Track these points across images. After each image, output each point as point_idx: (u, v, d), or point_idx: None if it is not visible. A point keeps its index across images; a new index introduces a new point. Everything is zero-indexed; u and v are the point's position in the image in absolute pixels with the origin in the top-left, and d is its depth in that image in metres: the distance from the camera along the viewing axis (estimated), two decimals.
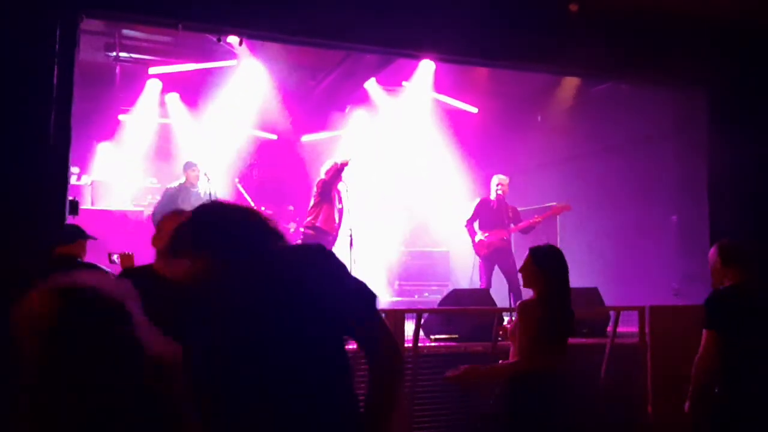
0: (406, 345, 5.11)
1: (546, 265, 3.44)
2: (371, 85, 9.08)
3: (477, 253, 7.62)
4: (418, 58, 7.44)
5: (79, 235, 4.37)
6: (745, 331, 3.38)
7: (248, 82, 8.58)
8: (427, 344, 5.44)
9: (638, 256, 7.64)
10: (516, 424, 3.41)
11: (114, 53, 8.14)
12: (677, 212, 7.41)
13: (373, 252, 9.12)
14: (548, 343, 3.35)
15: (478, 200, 7.71)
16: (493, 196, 7.58)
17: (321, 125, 10.08)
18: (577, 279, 7.95)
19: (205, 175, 7.04)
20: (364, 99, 9.50)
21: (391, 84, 9.09)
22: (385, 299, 8.84)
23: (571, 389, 3.50)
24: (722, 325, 3.41)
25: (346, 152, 7.43)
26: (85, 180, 8.54)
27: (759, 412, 3.35)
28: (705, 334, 3.43)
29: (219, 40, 6.19)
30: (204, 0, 5.37)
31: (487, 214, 7.56)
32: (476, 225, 7.62)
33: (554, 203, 7.75)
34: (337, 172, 6.89)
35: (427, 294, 9.31)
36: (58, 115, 4.86)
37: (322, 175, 7.04)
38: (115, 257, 5.15)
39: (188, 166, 7.24)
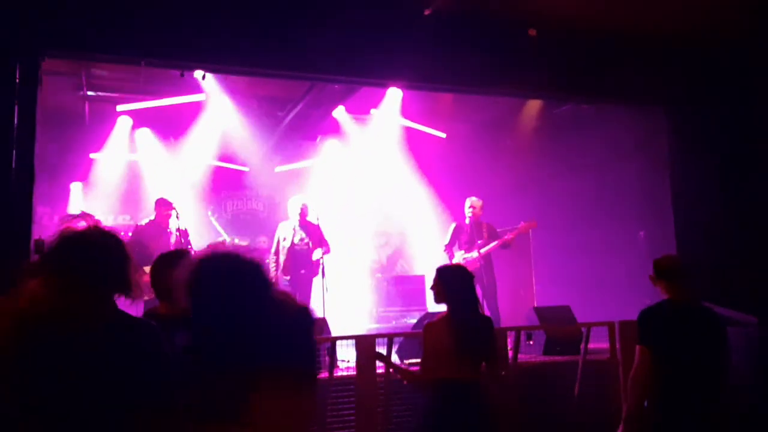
0: (378, 371, 5.11)
1: (450, 283, 3.74)
2: (340, 114, 9.17)
3: None
4: (384, 86, 7.56)
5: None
6: (674, 347, 3.33)
7: (217, 115, 8.63)
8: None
9: (609, 271, 7.73)
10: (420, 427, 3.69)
11: (81, 92, 8.16)
12: (645, 228, 7.52)
13: (349, 280, 9.14)
14: (453, 353, 3.58)
15: (453, 225, 7.96)
16: (467, 219, 7.77)
17: (293, 155, 10.15)
18: (550, 297, 8.11)
19: (175, 210, 7.04)
20: (334, 128, 9.58)
21: (360, 112, 9.18)
22: (366, 326, 8.84)
23: (483, 400, 3.63)
24: (652, 340, 3.36)
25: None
26: (57, 219, 8.48)
27: (687, 428, 3.29)
28: (637, 350, 3.39)
29: (182, 74, 6.24)
30: (165, 36, 5.42)
31: (462, 237, 7.78)
32: (455, 249, 7.86)
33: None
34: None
35: (406, 320, 9.30)
36: (20, 155, 4.86)
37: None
38: None
39: (158, 204, 7.22)
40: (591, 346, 5.82)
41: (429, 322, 3.81)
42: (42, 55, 5.15)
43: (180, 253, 3.30)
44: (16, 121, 4.82)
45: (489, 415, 3.66)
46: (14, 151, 4.78)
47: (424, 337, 3.74)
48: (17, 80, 4.88)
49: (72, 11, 5.12)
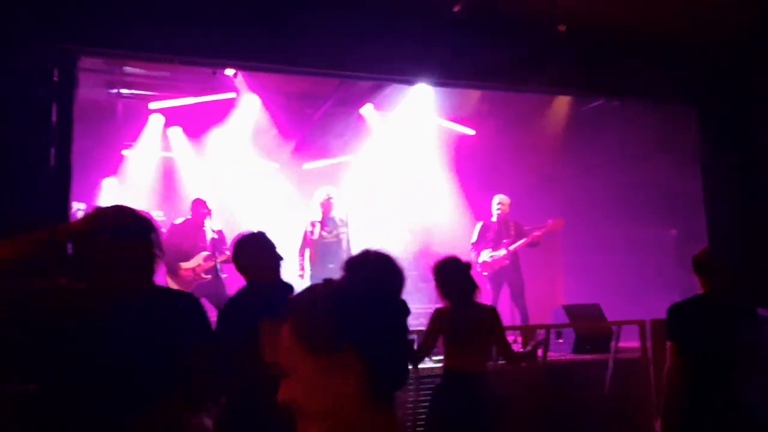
0: None
1: (446, 276, 3.88)
2: (368, 111, 9.20)
3: (482, 273, 7.75)
4: (411, 83, 7.55)
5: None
6: (701, 342, 3.28)
7: (248, 113, 8.73)
8: (429, 365, 5.45)
9: (640, 270, 7.66)
10: (430, 420, 3.85)
11: (115, 90, 8.31)
12: (676, 226, 7.43)
13: None
14: (456, 344, 3.76)
15: (481, 223, 7.92)
16: (494, 217, 7.75)
17: (321, 152, 10.21)
18: (579, 295, 8.06)
19: (210, 211, 7.15)
20: (361, 125, 9.62)
21: (388, 108, 9.21)
22: None
23: (484, 389, 3.73)
24: (680, 336, 3.33)
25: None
26: None
27: (718, 425, 3.23)
28: (668, 346, 3.36)
29: (214, 73, 6.32)
30: (198, 35, 5.49)
31: (489, 235, 7.75)
32: (482, 246, 7.88)
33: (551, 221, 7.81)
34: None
35: None
36: (59, 153, 4.96)
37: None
38: None
39: (195, 204, 7.30)
40: (621, 344, 5.79)
41: (439, 308, 3.93)
42: (78, 55, 5.25)
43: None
44: (54, 120, 4.92)
45: (494, 405, 3.75)
46: (53, 149, 4.88)
47: (431, 319, 3.92)
48: (55, 80, 4.98)
49: (107, 11, 5.21)
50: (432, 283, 3.95)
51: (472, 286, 3.88)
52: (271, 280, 3.46)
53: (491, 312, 3.94)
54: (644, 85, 6.72)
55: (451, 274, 3.88)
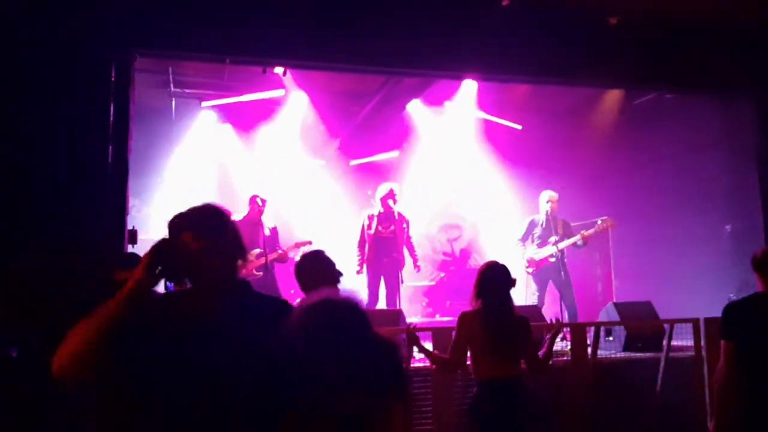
0: None
1: (484, 279, 3.78)
2: (414, 107, 9.21)
3: (527, 270, 7.67)
4: (458, 78, 7.54)
5: (137, 262, 4.58)
6: (760, 342, 3.19)
7: (296, 111, 8.85)
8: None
9: (693, 267, 7.46)
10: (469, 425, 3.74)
11: (168, 89, 8.52)
12: (731, 221, 7.22)
13: (422, 272, 9.19)
14: (490, 351, 3.66)
15: (529, 219, 7.84)
16: (542, 213, 7.66)
17: (368, 149, 10.26)
18: (629, 292, 7.91)
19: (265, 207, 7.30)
20: (408, 121, 9.64)
21: (434, 104, 9.21)
22: (435, 319, 8.89)
23: (526, 396, 3.67)
24: (736, 335, 3.24)
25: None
26: (145, 211, 8.90)
27: None
28: (722, 345, 3.29)
29: (264, 71, 6.43)
30: (249, 34, 5.61)
31: (536, 232, 7.71)
32: (528, 243, 7.81)
33: (604, 217, 7.66)
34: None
35: None
36: (116, 150, 5.16)
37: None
38: (170, 284, 5.36)
39: (253, 200, 7.41)
40: (674, 343, 5.66)
41: (464, 312, 3.83)
42: (134, 56, 5.43)
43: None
44: (111, 119, 5.11)
45: (533, 410, 3.68)
46: (111, 147, 5.06)
47: (458, 324, 3.78)
48: (113, 80, 5.16)
49: (161, 12, 5.37)
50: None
51: (508, 298, 3.82)
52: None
53: (526, 322, 3.87)
54: (704, 76, 6.57)
55: (495, 279, 3.80)
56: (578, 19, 6.30)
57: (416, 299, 9.61)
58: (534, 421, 3.66)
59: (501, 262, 3.93)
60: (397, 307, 6.84)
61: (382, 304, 7.24)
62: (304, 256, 3.66)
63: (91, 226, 4.82)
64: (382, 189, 7.51)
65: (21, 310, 4.26)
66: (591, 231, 7.47)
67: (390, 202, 7.40)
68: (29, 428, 4.11)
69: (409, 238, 7.59)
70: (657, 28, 6.38)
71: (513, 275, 3.87)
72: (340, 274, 3.54)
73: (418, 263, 7.79)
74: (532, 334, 3.88)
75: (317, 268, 3.52)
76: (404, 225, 7.50)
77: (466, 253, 10.65)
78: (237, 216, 7.45)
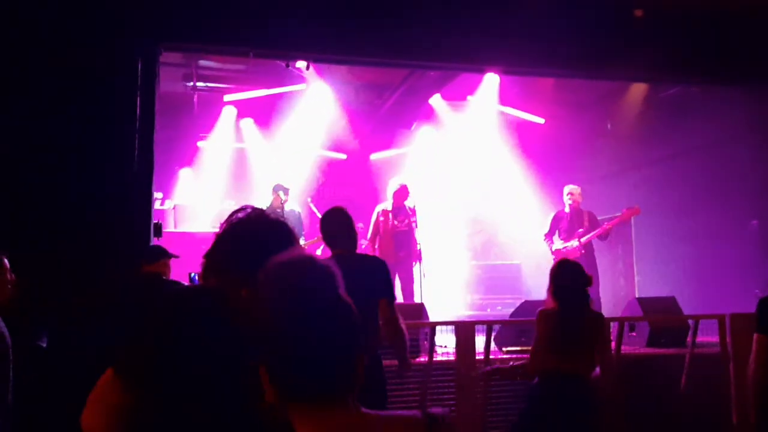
0: (477, 357, 5.15)
1: (555, 278, 3.79)
2: (436, 101, 9.18)
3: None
4: (483, 71, 7.49)
5: (162, 255, 4.62)
6: None
7: (317, 104, 8.86)
8: (500, 356, 5.45)
9: (718, 262, 7.37)
10: (524, 421, 3.74)
11: (191, 83, 8.58)
12: (757, 216, 7.11)
13: (444, 267, 9.18)
14: (560, 348, 3.66)
15: (553, 213, 7.83)
16: (566, 207, 7.63)
17: (388, 143, 10.26)
18: (653, 287, 7.83)
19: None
20: (429, 115, 9.61)
21: (456, 99, 9.17)
22: (459, 313, 8.87)
23: (588, 393, 3.66)
24: None
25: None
26: (168, 204, 8.98)
27: None
28: (755, 338, 3.25)
29: (288, 65, 6.45)
30: (272, 28, 5.62)
31: (562, 225, 7.66)
32: (555, 237, 7.78)
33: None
34: None
35: (500, 307, 9.24)
36: (142, 144, 5.20)
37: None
38: (195, 276, 5.41)
39: (276, 189, 7.51)
40: (698, 339, 5.61)
41: (543, 310, 3.83)
42: (160, 50, 5.47)
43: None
44: (138, 112, 5.15)
45: (593, 409, 3.66)
46: (137, 140, 5.11)
47: (539, 324, 3.79)
48: (139, 74, 5.21)
49: (187, 6, 5.41)
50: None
51: (584, 292, 3.81)
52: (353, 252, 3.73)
53: (600, 318, 3.89)
54: (732, 68, 6.47)
55: (567, 275, 3.80)
56: (603, 11, 6.23)
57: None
58: (589, 421, 3.63)
59: (572, 261, 4.00)
60: (415, 301, 6.87)
61: (399, 298, 7.26)
62: (333, 209, 3.82)
63: (118, 219, 4.88)
64: (394, 184, 7.55)
65: (52, 300, 4.32)
66: (613, 222, 7.43)
67: (401, 197, 7.46)
68: (58, 418, 4.18)
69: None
70: (680, 18, 6.29)
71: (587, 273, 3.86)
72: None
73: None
74: (605, 332, 3.92)
75: (346, 219, 3.73)
76: (414, 218, 7.51)
77: (487, 247, 10.61)
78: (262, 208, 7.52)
